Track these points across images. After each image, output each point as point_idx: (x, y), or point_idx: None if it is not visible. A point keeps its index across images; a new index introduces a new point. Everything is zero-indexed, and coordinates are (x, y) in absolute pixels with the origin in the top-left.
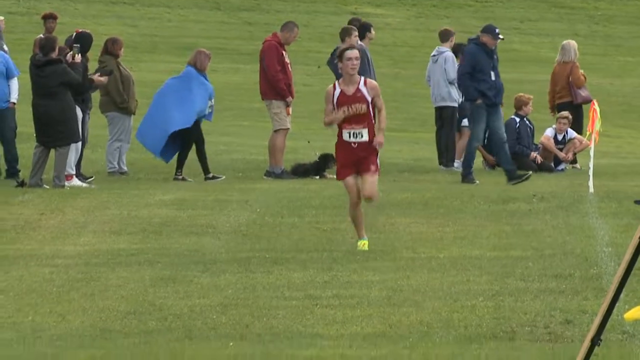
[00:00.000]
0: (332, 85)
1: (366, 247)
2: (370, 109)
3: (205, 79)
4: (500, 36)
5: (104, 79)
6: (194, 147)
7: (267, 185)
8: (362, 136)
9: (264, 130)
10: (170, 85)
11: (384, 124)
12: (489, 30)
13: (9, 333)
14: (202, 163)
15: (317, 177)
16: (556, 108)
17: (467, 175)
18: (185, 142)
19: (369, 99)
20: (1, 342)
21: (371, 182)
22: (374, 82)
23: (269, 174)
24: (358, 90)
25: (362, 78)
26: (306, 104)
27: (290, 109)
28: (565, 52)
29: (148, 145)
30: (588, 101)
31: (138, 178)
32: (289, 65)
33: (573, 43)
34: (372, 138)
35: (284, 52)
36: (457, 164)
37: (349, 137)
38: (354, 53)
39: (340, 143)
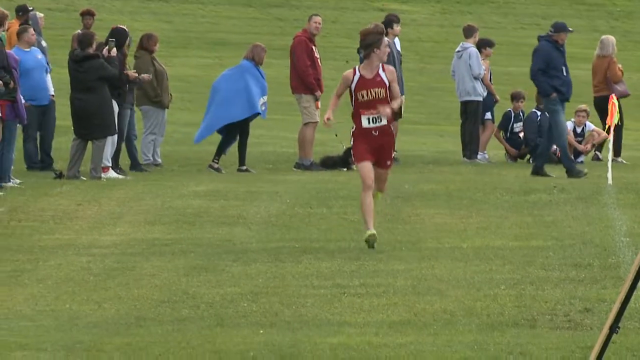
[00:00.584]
0: (351, 69)
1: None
2: (388, 94)
3: (261, 74)
4: (571, 29)
5: (146, 76)
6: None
7: (296, 177)
8: (381, 120)
9: (294, 123)
10: (226, 76)
11: (398, 105)
12: (561, 27)
13: (47, 320)
14: (240, 154)
15: (345, 169)
16: (594, 102)
17: (572, 168)
18: (231, 133)
19: (388, 83)
20: (40, 329)
21: (384, 177)
22: (390, 67)
23: (298, 165)
24: (378, 74)
25: (381, 64)
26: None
27: (319, 103)
28: (604, 47)
29: (202, 133)
30: (625, 95)
31: (172, 170)
32: (318, 60)
33: (612, 38)
34: (390, 121)
35: (313, 47)
36: (481, 156)
37: (368, 122)
38: (386, 41)
39: (359, 131)
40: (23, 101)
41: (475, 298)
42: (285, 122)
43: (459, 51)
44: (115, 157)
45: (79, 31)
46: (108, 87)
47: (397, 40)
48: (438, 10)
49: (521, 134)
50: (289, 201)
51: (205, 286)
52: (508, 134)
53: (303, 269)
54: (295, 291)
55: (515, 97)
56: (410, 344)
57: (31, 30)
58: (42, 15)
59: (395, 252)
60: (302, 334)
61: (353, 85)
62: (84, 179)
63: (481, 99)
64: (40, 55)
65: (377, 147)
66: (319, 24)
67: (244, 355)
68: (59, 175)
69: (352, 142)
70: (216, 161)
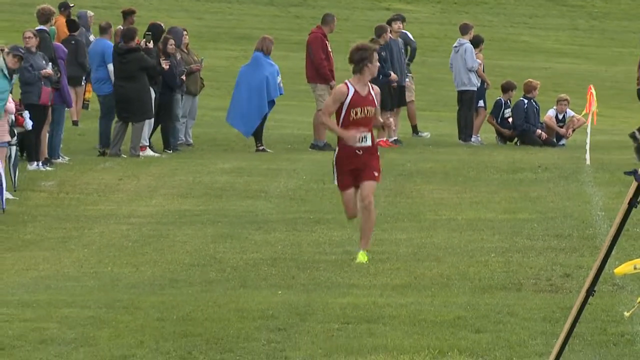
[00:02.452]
0: (343, 84)
1: (364, 257)
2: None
3: (270, 60)
4: None
5: (195, 66)
6: None
7: (312, 156)
8: (366, 140)
9: (309, 109)
10: (245, 73)
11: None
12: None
13: (91, 281)
14: (259, 135)
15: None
16: (637, 93)
17: None
18: (264, 119)
19: (377, 103)
20: (85, 289)
21: (371, 185)
22: (376, 87)
23: (313, 146)
24: (369, 93)
25: (369, 83)
26: None
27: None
28: None
29: (241, 129)
30: None
31: (202, 149)
32: (331, 54)
33: None
34: (375, 144)
35: (327, 42)
36: (474, 139)
37: (358, 141)
38: (377, 55)
39: (343, 153)
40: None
41: (468, 264)
42: (301, 107)
43: (456, 46)
44: (166, 137)
45: (121, 27)
46: (147, 76)
47: (409, 33)
48: (438, 10)
49: (510, 120)
50: (305, 177)
51: (231, 252)
52: (499, 120)
53: (317, 237)
54: (310, 257)
55: (506, 88)
56: (411, 304)
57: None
58: (92, 14)
59: (397, 223)
60: (315, 294)
61: (347, 101)
62: (125, 156)
63: (475, 88)
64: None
65: (361, 165)
66: (332, 28)
67: (264, 313)
68: (103, 153)
69: (334, 166)
70: (260, 145)
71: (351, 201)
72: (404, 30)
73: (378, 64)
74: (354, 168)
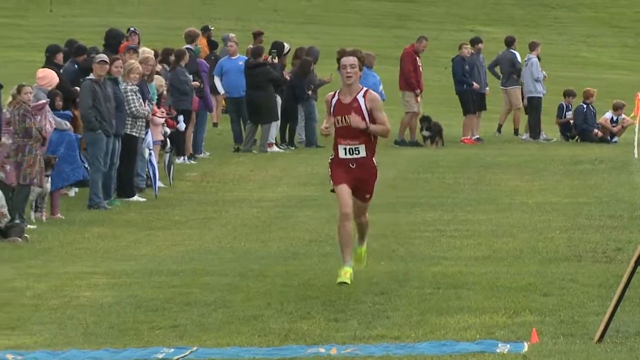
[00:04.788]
0: (333, 92)
1: (347, 278)
2: (367, 122)
3: (373, 72)
4: None
5: (327, 79)
6: None
7: (405, 151)
8: (358, 152)
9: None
10: None
11: (379, 128)
12: None
13: (227, 254)
14: None
15: (434, 144)
16: None
17: None
18: None
19: (366, 111)
20: (222, 260)
21: (363, 207)
22: (374, 94)
23: (396, 142)
24: (355, 100)
25: (364, 89)
26: (433, 95)
27: (419, 98)
28: None
29: None
30: None
31: (318, 146)
32: (419, 67)
33: None
34: (371, 156)
35: (417, 58)
36: (542, 136)
37: (345, 153)
38: (349, 60)
39: (337, 162)
40: (222, 91)
41: (537, 240)
42: (399, 111)
43: (526, 60)
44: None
45: (251, 46)
46: (273, 86)
47: (517, 55)
48: (511, 31)
49: (571, 121)
50: (402, 169)
51: None
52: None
53: (413, 218)
54: (407, 234)
55: (568, 94)
56: (490, 272)
57: (231, 47)
58: (233, 35)
59: (479, 206)
60: (411, 265)
61: (332, 110)
62: (255, 152)
63: (541, 95)
64: (241, 62)
65: (355, 180)
66: (426, 45)
67: (369, 280)
68: (237, 149)
69: (329, 170)
70: None
71: (348, 196)
72: (513, 51)
73: (351, 70)
74: (348, 178)
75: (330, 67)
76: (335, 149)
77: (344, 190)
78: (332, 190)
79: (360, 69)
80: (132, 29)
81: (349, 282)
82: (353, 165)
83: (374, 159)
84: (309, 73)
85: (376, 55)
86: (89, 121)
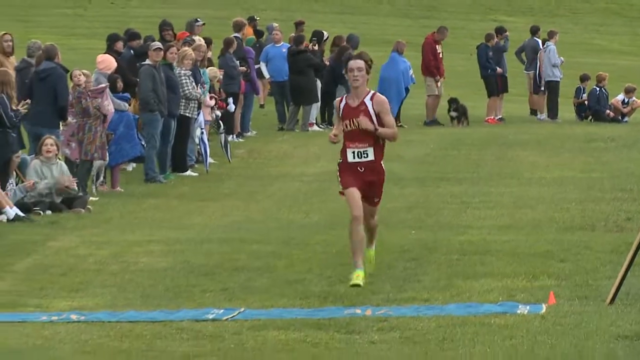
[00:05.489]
0: (340, 97)
1: (360, 281)
2: (375, 125)
3: (404, 58)
4: None
5: None
6: None
7: (434, 130)
8: (367, 155)
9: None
10: (385, 69)
11: (387, 131)
12: None
13: (272, 224)
14: (397, 114)
15: (461, 124)
16: None
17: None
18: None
19: (373, 114)
20: (267, 230)
21: (372, 211)
22: (382, 97)
23: (426, 123)
24: (362, 103)
25: (371, 92)
26: (460, 79)
27: (439, 83)
28: None
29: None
30: None
31: None
32: (439, 55)
33: None
34: (380, 159)
35: (437, 46)
36: (540, 116)
37: (354, 157)
38: (356, 64)
39: (346, 165)
40: (267, 76)
41: (554, 210)
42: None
43: (544, 48)
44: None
45: (293, 34)
46: (313, 70)
47: (540, 42)
48: (531, 21)
49: (586, 102)
50: (432, 146)
51: None
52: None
53: (441, 191)
54: (435, 205)
55: (583, 78)
56: (512, 240)
57: (276, 35)
58: (277, 24)
59: (502, 180)
60: (440, 234)
61: (340, 114)
62: (297, 131)
63: (558, 79)
64: (284, 49)
65: (364, 184)
66: (446, 35)
67: (401, 248)
68: (280, 129)
69: (338, 174)
70: (398, 122)
71: (357, 199)
72: (537, 39)
73: (358, 73)
74: (357, 182)
75: (371, 54)
76: (344, 153)
77: (354, 193)
78: (341, 193)
79: (368, 72)
80: (198, 21)
81: (362, 285)
82: (362, 169)
83: (382, 162)
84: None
85: (406, 42)
86: (148, 103)
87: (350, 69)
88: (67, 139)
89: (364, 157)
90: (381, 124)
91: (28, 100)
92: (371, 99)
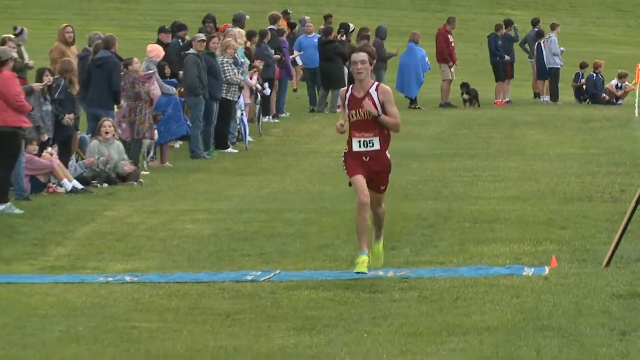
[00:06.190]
0: (346, 88)
1: (365, 268)
2: (379, 110)
3: (420, 47)
4: None
5: (394, 51)
6: None
7: (448, 111)
8: (372, 145)
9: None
10: (405, 58)
11: (390, 120)
12: None
13: (304, 195)
14: (415, 98)
15: (472, 106)
16: None
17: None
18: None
19: (378, 104)
20: (300, 200)
21: (379, 199)
22: (386, 87)
23: (440, 105)
24: (368, 94)
25: (376, 83)
26: (471, 66)
27: (452, 69)
28: None
29: (405, 93)
30: None
31: None
32: (451, 43)
33: None
34: (385, 149)
35: (449, 36)
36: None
37: (359, 146)
38: (359, 56)
39: (351, 155)
40: (300, 63)
41: (556, 183)
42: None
43: (546, 38)
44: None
45: (323, 26)
46: (341, 58)
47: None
48: (534, 14)
49: (584, 87)
50: (446, 126)
51: (398, 175)
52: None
53: (454, 166)
54: (450, 178)
55: (581, 65)
56: (518, 209)
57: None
58: (308, 17)
59: (509, 156)
60: (454, 204)
61: (346, 104)
62: (327, 112)
63: (559, 66)
64: (315, 40)
65: (370, 173)
66: (455, 25)
67: (419, 216)
68: (312, 110)
69: (343, 162)
70: (416, 104)
71: (363, 185)
72: (553, 35)
73: (362, 65)
74: (363, 170)
75: (392, 43)
76: (350, 143)
77: (360, 180)
78: (350, 185)
79: (371, 64)
80: (246, 16)
81: (367, 272)
82: (367, 158)
83: (387, 152)
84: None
85: (423, 33)
86: (195, 87)
87: (353, 62)
88: (119, 120)
89: (370, 146)
90: (385, 113)
91: (71, 115)
92: (376, 89)
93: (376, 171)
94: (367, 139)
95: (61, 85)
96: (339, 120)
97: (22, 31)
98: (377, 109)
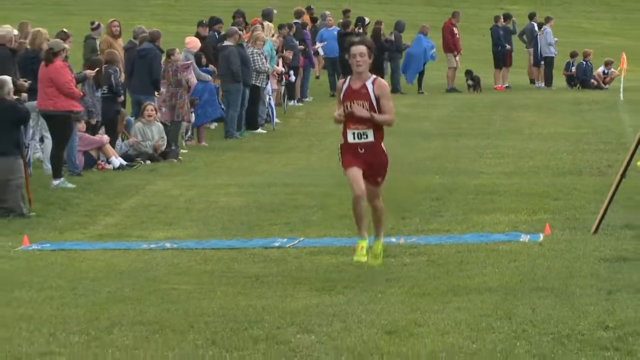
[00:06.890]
0: (344, 79)
1: (363, 255)
2: (375, 108)
3: (427, 39)
4: None
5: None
6: None
7: (453, 95)
8: (366, 137)
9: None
10: (413, 47)
11: (382, 117)
12: None
13: (326, 172)
14: (420, 83)
15: (475, 91)
16: None
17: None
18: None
19: (373, 97)
20: (320, 176)
21: (375, 191)
22: (383, 81)
23: (446, 90)
24: (364, 86)
25: (373, 77)
26: (474, 55)
27: (457, 58)
28: None
29: (408, 79)
30: None
31: (401, 93)
32: (456, 35)
33: None
34: (379, 141)
35: (454, 28)
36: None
37: (354, 137)
38: (359, 49)
39: (346, 146)
40: (322, 53)
41: (550, 159)
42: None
43: (542, 30)
44: None
45: (342, 20)
46: None
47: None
48: (531, 8)
49: (575, 74)
50: (452, 108)
51: (408, 153)
52: (569, 71)
53: (459, 144)
54: (455, 155)
55: (572, 54)
56: (516, 183)
57: (329, 20)
58: (329, 12)
59: (507, 135)
60: (458, 178)
61: (342, 95)
62: None
63: (553, 55)
64: (335, 32)
65: (365, 164)
66: (459, 18)
67: (427, 189)
68: (333, 95)
69: (339, 154)
70: (420, 89)
71: (359, 177)
72: (534, 23)
73: (360, 58)
74: (359, 162)
75: (407, 36)
76: (345, 134)
77: (355, 172)
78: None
79: (370, 57)
80: (274, 11)
81: (365, 260)
82: (362, 150)
83: (382, 144)
84: (380, 39)
85: (432, 26)
86: (238, 74)
87: (352, 54)
88: (159, 104)
89: (364, 138)
90: (380, 107)
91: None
92: (373, 82)
93: (371, 163)
94: (362, 131)
95: (114, 73)
96: (336, 111)
97: (98, 26)
98: (372, 104)
